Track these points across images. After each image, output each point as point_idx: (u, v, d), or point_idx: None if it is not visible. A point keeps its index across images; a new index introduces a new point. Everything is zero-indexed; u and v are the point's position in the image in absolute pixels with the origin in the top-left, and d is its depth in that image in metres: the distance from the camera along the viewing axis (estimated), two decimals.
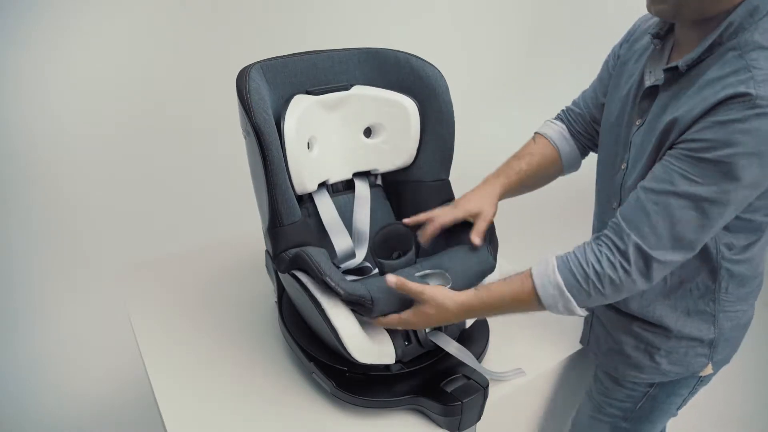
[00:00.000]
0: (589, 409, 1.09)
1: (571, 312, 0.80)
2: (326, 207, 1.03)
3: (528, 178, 1.04)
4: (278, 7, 2.53)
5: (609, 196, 0.96)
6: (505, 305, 0.83)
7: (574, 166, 1.11)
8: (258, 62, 0.92)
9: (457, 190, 1.07)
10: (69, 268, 2.32)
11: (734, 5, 0.73)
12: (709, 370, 0.96)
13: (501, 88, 3.26)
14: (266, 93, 0.89)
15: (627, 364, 0.98)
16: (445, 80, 1.03)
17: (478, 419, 0.89)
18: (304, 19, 2.58)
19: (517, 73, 3.28)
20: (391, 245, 0.96)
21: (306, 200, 1.02)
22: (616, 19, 1.97)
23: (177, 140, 2.47)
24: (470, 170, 1.42)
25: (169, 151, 2.46)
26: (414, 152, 1.07)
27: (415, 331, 0.90)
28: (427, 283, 0.85)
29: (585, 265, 0.78)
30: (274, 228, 0.89)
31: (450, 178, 1.08)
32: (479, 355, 0.97)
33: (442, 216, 0.98)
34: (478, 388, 0.86)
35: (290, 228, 0.89)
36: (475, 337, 1.01)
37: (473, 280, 0.91)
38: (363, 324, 0.88)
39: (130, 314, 1.16)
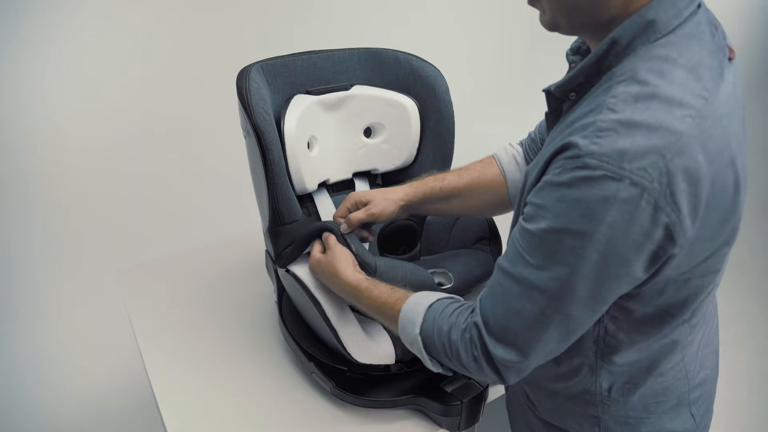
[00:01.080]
0: None
1: (421, 355, 0.70)
2: (326, 207, 1.03)
3: (450, 193, 0.90)
4: (278, 7, 2.53)
5: None
6: (377, 311, 0.76)
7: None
8: (258, 62, 0.92)
9: None
10: (69, 268, 2.32)
11: (619, 15, 0.55)
12: None
13: (501, 88, 3.26)
14: (266, 93, 0.89)
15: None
16: (445, 80, 1.03)
17: (478, 419, 0.89)
18: (304, 19, 2.58)
19: (517, 73, 3.28)
20: (397, 241, 0.95)
21: (306, 200, 1.02)
22: None
23: (177, 140, 2.47)
24: None
25: (169, 151, 2.46)
26: (414, 152, 1.07)
27: None
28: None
29: (445, 325, 0.65)
30: (275, 227, 0.89)
31: None
32: None
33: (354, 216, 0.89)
34: (478, 388, 0.86)
35: (291, 227, 0.89)
36: None
37: (474, 282, 0.92)
38: (363, 324, 0.88)
39: (130, 314, 1.15)
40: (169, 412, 0.91)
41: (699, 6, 0.56)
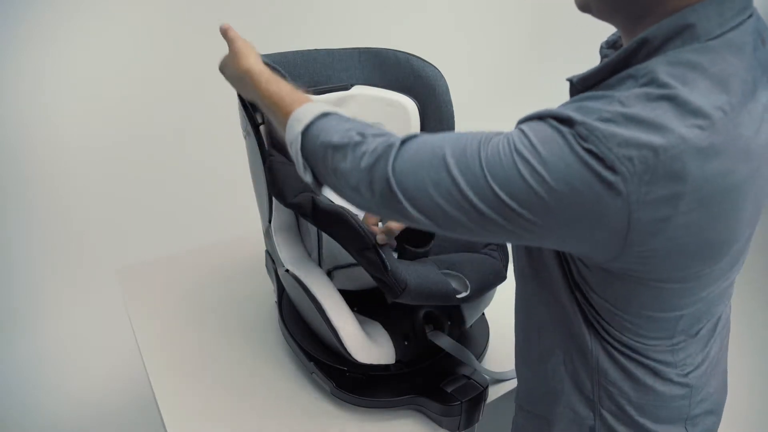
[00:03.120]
0: None
1: (296, 158, 0.66)
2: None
3: None
4: (278, 8, 2.53)
5: None
6: (271, 101, 0.71)
7: None
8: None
9: None
10: (69, 268, 2.32)
11: (656, 9, 0.52)
12: None
13: (501, 88, 3.27)
14: None
15: None
16: (445, 80, 1.02)
17: (478, 419, 0.89)
18: (304, 19, 2.58)
19: (517, 73, 3.28)
20: (411, 238, 0.93)
21: None
22: None
23: (177, 140, 2.47)
24: None
25: (169, 151, 2.46)
26: None
27: (415, 331, 0.90)
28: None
29: (340, 127, 0.62)
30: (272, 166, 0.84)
31: None
32: (479, 355, 0.97)
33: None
34: (478, 388, 0.86)
35: (291, 168, 0.79)
36: (475, 337, 1.01)
37: (485, 286, 0.90)
38: (363, 324, 0.88)
39: (130, 314, 1.15)
40: (169, 412, 0.91)
41: (750, 15, 0.51)
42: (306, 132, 0.64)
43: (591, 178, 0.47)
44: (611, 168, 0.46)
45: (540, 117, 0.52)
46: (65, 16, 2.11)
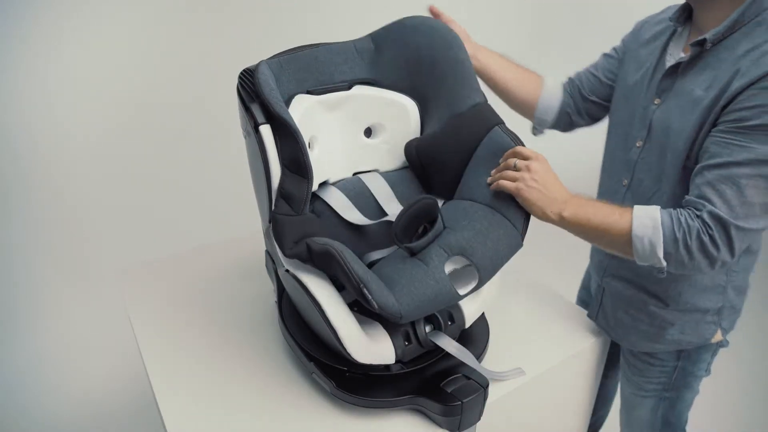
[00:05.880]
0: (630, 389, 1.17)
1: (652, 252, 0.83)
2: (339, 200, 1.00)
3: (507, 72, 1.18)
4: (278, 8, 2.54)
5: (619, 173, 1.03)
6: (598, 222, 0.86)
7: (544, 116, 1.19)
8: (260, 62, 0.92)
9: None
10: (69, 268, 2.32)
11: None
12: (719, 336, 1.04)
13: None
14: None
15: (643, 338, 1.07)
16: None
17: (478, 419, 0.89)
18: (304, 19, 2.58)
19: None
20: (416, 223, 0.92)
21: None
22: (616, 18, 1.97)
23: (177, 140, 2.47)
24: None
25: (169, 152, 2.46)
26: None
27: (415, 331, 0.90)
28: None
29: (679, 218, 0.82)
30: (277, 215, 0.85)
31: None
32: (479, 355, 0.97)
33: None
34: (478, 388, 0.86)
35: (298, 219, 0.84)
36: (475, 337, 1.01)
37: (497, 265, 0.87)
38: (363, 324, 0.88)
39: (130, 314, 1.16)
40: (169, 412, 0.91)
41: None
42: (662, 227, 0.83)
43: None
44: None
45: None
46: (66, 16, 2.11)
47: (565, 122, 1.20)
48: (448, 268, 0.84)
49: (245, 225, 1.47)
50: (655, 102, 0.94)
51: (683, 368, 1.08)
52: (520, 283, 1.24)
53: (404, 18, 1.02)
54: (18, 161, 2.14)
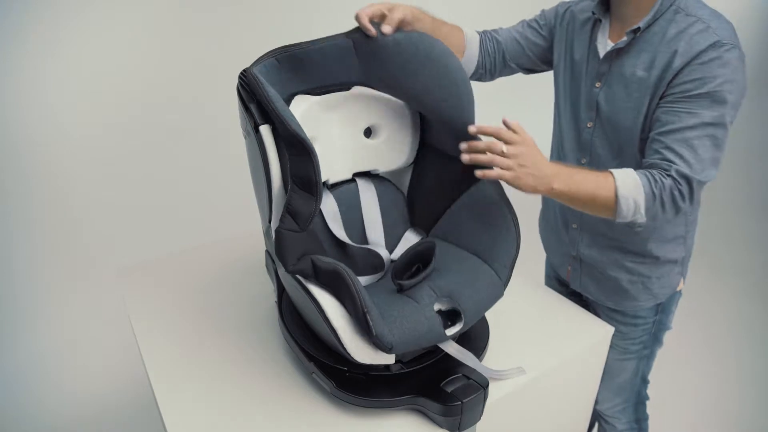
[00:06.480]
0: (615, 355, 1.25)
1: (636, 209, 0.93)
2: (328, 205, 1.02)
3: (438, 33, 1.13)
4: (279, 7, 2.54)
5: (576, 153, 1.14)
6: (585, 189, 0.93)
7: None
8: (260, 61, 0.91)
9: None
10: (69, 268, 2.32)
11: None
12: (682, 284, 1.21)
13: (501, 88, 3.26)
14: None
15: (625, 298, 1.19)
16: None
17: (478, 419, 0.89)
18: (304, 19, 2.58)
19: (516, 73, 3.28)
20: (413, 262, 0.95)
21: None
22: None
23: (177, 140, 2.48)
24: None
25: (169, 152, 2.46)
26: (414, 152, 1.07)
27: None
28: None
29: (654, 177, 0.93)
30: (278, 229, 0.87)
31: None
32: (479, 355, 0.97)
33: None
34: (478, 388, 0.86)
35: (299, 236, 0.86)
36: (475, 337, 1.01)
37: (480, 311, 0.92)
38: None
39: (130, 314, 1.16)
40: (169, 412, 0.91)
41: None
42: (643, 187, 0.94)
43: None
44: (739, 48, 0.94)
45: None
46: (66, 16, 2.11)
47: (473, 78, 1.26)
48: (436, 307, 0.88)
49: (245, 225, 1.47)
50: (597, 85, 1.06)
51: (660, 321, 1.23)
52: (520, 283, 1.24)
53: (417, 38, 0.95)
54: (18, 161, 2.14)
